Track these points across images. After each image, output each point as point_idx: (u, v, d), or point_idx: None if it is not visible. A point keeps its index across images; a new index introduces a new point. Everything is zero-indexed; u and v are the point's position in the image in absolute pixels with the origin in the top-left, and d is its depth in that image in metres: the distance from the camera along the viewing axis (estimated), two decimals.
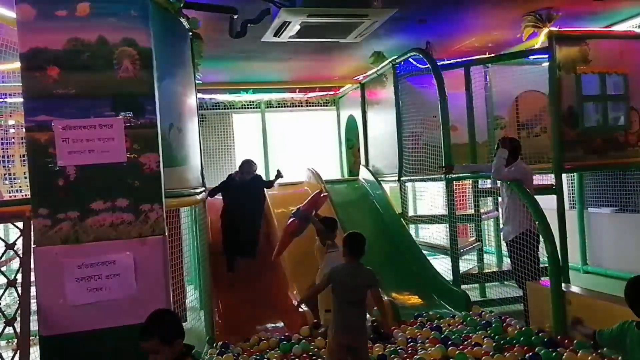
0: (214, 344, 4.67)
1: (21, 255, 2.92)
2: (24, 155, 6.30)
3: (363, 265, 3.54)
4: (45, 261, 2.83)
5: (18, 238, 2.99)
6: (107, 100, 2.98)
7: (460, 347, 4.16)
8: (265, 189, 6.78)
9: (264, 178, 7.17)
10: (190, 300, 6.09)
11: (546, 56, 5.86)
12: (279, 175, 6.71)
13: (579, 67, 5.77)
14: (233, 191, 6.38)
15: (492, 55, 6.95)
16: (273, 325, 5.27)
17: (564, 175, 5.98)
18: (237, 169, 6.66)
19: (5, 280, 3.04)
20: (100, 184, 2.94)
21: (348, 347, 3.39)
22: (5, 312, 2.96)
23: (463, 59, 6.79)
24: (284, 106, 9.72)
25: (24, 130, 6.38)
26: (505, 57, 6.86)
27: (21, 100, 6.07)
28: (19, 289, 2.91)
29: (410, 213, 7.50)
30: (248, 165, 6.58)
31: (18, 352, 2.77)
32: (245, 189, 6.37)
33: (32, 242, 2.91)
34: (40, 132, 2.88)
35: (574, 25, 6.41)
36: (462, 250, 6.16)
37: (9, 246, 2.96)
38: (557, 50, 5.72)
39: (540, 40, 6.21)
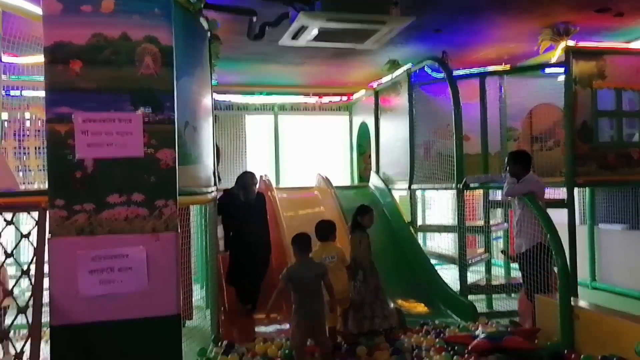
0: (219, 343, 4.69)
1: (35, 246, 2.96)
2: (39, 148, 6.38)
3: (312, 260, 4.25)
4: (59, 252, 2.85)
5: (33, 228, 3.02)
6: (127, 95, 3.01)
7: (465, 356, 4.15)
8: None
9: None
10: (196, 299, 6.11)
11: (562, 70, 5.85)
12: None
13: (595, 82, 5.76)
14: (238, 215, 5.52)
15: (508, 66, 6.96)
16: (279, 327, 5.27)
17: (575, 190, 5.96)
18: (237, 184, 5.72)
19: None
20: (116, 177, 2.97)
21: (309, 330, 4.00)
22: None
23: (479, 70, 6.79)
24: (297, 110, 9.77)
25: (39, 123, 6.49)
26: (521, 69, 6.86)
27: (38, 94, 6.18)
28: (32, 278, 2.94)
29: (419, 222, 7.49)
30: (249, 180, 5.65)
31: (29, 341, 2.80)
32: (251, 211, 5.52)
33: (46, 233, 2.94)
34: (60, 124, 2.91)
35: (592, 40, 6.42)
36: (470, 261, 6.15)
37: (24, 236, 2.99)
38: (574, 64, 5.71)
39: (557, 54, 6.22)
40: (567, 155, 5.74)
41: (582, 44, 5.96)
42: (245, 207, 5.55)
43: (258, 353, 4.38)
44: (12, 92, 5.86)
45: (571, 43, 5.97)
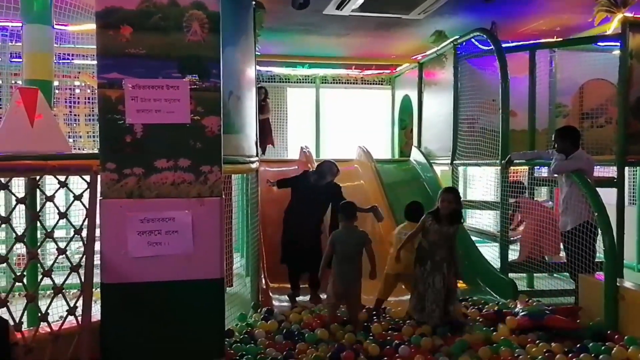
0: (259, 309, 4.79)
1: (87, 207, 3.06)
2: (88, 115, 6.58)
3: (357, 228, 4.43)
4: (110, 213, 2.94)
5: (85, 190, 3.11)
6: (175, 62, 3.03)
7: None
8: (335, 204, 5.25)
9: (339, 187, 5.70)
10: (236, 267, 6.24)
11: (618, 44, 5.61)
12: (375, 211, 5.42)
13: None
14: (302, 192, 5.56)
15: (560, 39, 6.70)
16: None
17: (626, 169, 5.75)
18: (316, 168, 5.87)
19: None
20: (164, 143, 3.01)
21: (343, 293, 4.29)
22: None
23: (529, 42, 6.56)
24: (339, 82, 9.71)
25: (88, 90, 6.66)
26: (573, 42, 6.60)
27: (87, 62, 6.34)
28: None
29: (461, 198, 7.38)
30: (328, 167, 5.66)
31: (81, 298, 2.92)
32: (315, 194, 5.45)
33: (97, 196, 3.04)
34: (111, 89, 2.96)
35: None
36: (512, 239, 6.05)
37: (77, 197, 3.09)
38: (630, 37, 5.46)
39: (612, 27, 5.95)
40: (619, 132, 5.53)
41: None
42: (311, 189, 5.50)
43: (294, 321, 4.46)
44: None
45: (629, 15, 5.69)
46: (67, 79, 6.42)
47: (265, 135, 8.31)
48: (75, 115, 6.52)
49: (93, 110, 6.49)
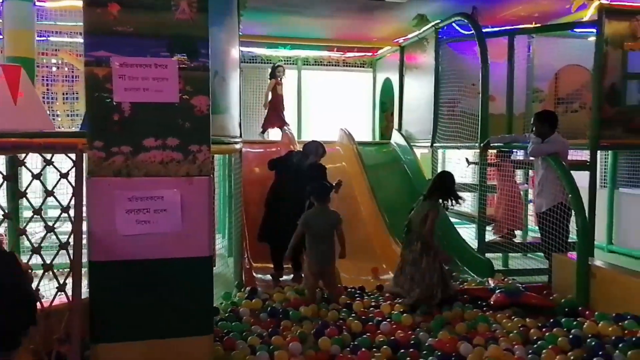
0: (242, 289, 4.85)
1: (74, 185, 3.06)
2: (66, 93, 6.48)
3: (329, 209, 4.59)
4: (98, 191, 2.94)
5: (71, 169, 3.11)
6: (164, 40, 3.01)
7: (484, 309, 4.28)
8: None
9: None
10: (218, 248, 6.29)
11: (594, 30, 5.73)
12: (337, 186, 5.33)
13: (627, 44, 5.62)
14: (285, 173, 5.58)
15: (538, 25, 6.81)
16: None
17: (598, 153, 5.92)
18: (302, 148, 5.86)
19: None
20: (152, 122, 3.00)
21: (319, 272, 4.43)
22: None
23: (508, 28, 6.67)
24: (321, 64, 9.71)
25: (66, 68, 6.54)
26: (551, 28, 6.73)
27: (65, 39, 6.21)
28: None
29: None
30: (312, 148, 5.65)
31: (70, 276, 2.95)
32: (297, 174, 5.40)
33: (83, 174, 3.04)
34: (98, 67, 2.93)
35: (627, 0, 6.23)
36: (489, 220, 6.22)
37: (63, 175, 3.09)
38: (606, 24, 5.57)
39: (589, 13, 6.08)
40: (593, 117, 5.68)
41: (616, 3, 5.80)
42: (294, 170, 5.52)
43: (278, 300, 4.54)
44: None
45: (605, 2, 5.82)
46: (45, 56, 6.31)
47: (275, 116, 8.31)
48: (53, 93, 6.42)
49: (71, 89, 6.41)
